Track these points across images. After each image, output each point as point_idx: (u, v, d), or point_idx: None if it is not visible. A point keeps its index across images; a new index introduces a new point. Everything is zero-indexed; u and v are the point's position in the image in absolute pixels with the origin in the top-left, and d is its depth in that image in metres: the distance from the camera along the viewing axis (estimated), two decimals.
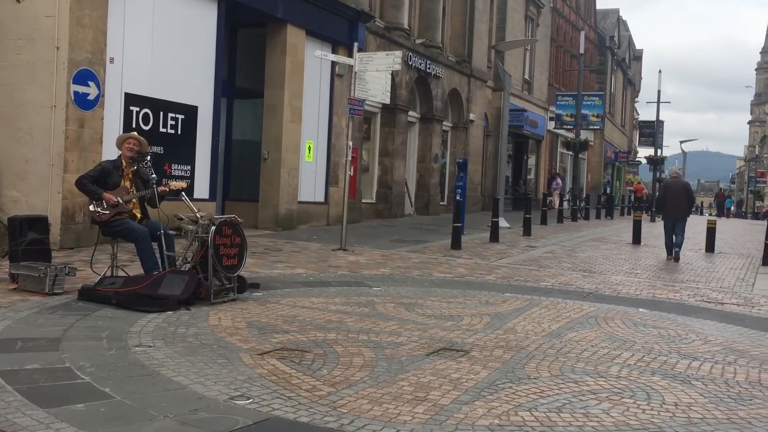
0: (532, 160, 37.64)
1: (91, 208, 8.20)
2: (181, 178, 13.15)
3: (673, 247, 15.69)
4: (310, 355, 5.99)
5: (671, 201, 15.99)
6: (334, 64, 17.61)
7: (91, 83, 11.67)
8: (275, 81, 16.51)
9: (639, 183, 50.76)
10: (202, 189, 14.37)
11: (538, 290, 10.11)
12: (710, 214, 50.95)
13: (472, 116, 27.58)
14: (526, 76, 35.56)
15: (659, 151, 50.21)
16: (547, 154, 39.26)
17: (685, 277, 12.58)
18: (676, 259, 15.43)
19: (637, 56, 68.08)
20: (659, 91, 45.96)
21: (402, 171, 22.95)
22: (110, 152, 10.74)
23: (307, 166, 17.56)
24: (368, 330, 7.02)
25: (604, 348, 6.81)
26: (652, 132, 54.07)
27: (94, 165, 9.09)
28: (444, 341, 6.71)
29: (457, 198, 16.75)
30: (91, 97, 11.70)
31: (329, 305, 8.18)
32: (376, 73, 14.01)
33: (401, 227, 19.33)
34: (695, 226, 26.98)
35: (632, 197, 43.23)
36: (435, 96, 24.51)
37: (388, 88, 14.57)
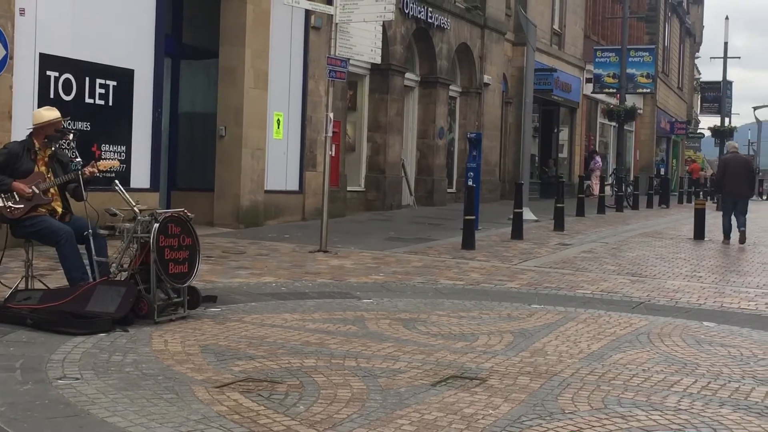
0: (564, 134, 37.68)
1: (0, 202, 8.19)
2: (114, 160, 13.11)
3: (730, 231, 17.65)
4: (282, 387, 5.99)
5: (731, 179, 18.17)
6: (309, 13, 17.58)
7: None
8: (233, 37, 16.48)
9: (695, 162, 50.92)
10: (141, 176, 14.36)
11: (574, 300, 10.12)
12: None
13: (487, 78, 27.58)
14: (556, 27, 35.60)
15: (727, 119, 50.39)
16: (583, 126, 39.32)
17: (762, 281, 12.62)
18: (742, 240, 17.54)
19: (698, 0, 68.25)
20: (726, 44, 46.07)
21: (398, 150, 22.95)
22: (22, 131, 10.71)
23: (275, 146, 17.55)
24: (357, 354, 7.01)
25: (660, 373, 6.82)
26: (717, 96, 54.24)
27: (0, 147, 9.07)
28: (454, 367, 6.71)
29: (469, 183, 16.76)
30: None
31: (306, 323, 8.17)
32: (363, 25, 13.99)
33: (398, 222, 19.34)
34: None
35: (688, 180, 43.42)
36: (439, 53, 24.50)
37: (379, 44, 14.54)
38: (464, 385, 6.23)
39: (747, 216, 18.25)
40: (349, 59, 14.40)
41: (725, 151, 23.14)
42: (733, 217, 18.15)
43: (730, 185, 18.22)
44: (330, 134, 14.18)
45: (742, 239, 17.66)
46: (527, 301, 9.84)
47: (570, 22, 36.86)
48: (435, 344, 7.48)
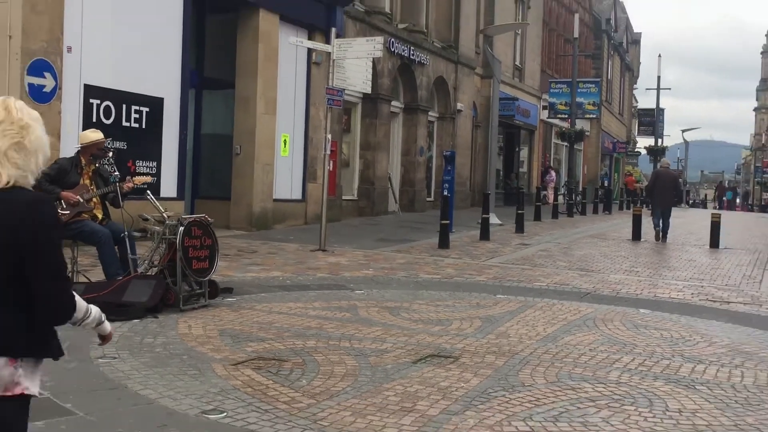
0: (524, 152, 37.74)
1: None
2: (146, 174, 13.10)
3: (659, 231, 18.47)
4: (287, 365, 5.99)
5: (660, 190, 18.81)
6: (310, 51, 17.58)
7: (47, 74, 11.59)
8: (247, 70, 16.46)
9: (631, 175, 51.10)
10: (169, 187, 14.33)
11: (532, 291, 10.15)
12: (716, 207, 51.34)
13: (459, 106, 27.63)
14: (517, 63, 35.67)
15: (660, 140, 50.52)
16: (540, 146, 39.40)
17: (689, 275, 12.67)
18: (664, 239, 18.50)
19: (635, 40, 68.47)
20: (659, 77, 46.28)
21: (385, 165, 22.95)
22: (69, 149, 10.68)
23: (282, 161, 17.53)
24: (350, 336, 7.02)
25: (603, 352, 6.84)
26: (652, 120, 54.40)
27: (51, 163, 9.02)
28: (432, 347, 6.72)
29: (445, 193, 16.78)
30: (47, 90, 11.63)
31: (308, 310, 8.18)
32: (356, 61, 13.99)
33: (385, 225, 19.34)
34: (698, 220, 27.18)
35: (625, 190, 43.59)
36: (420, 84, 24.53)
37: (369, 77, 14.54)
38: (440, 362, 6.24)
39: (671, 221, 19.08)
40: (344, 89, 14.40)
41: (659, 166, 23.57)
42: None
43: (659, 195, 18.83)
44: (328, 152, 14.18)
45: (664, 239, 18.55)
46: (493, 292, 9.86)
47: (529, 59, 36.93)
48: (416, 328, 7.49)
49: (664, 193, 18.75)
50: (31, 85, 11.36)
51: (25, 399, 2.44)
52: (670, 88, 54.74)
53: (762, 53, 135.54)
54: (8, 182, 2.42)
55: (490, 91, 24.66)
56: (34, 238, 2.39)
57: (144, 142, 13.77)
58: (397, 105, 24.13)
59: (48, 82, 11.63)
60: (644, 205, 19.98)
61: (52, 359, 2.51)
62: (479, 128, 30.77)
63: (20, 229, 2.38)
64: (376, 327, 7.46)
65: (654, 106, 50.26)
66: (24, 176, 2.46)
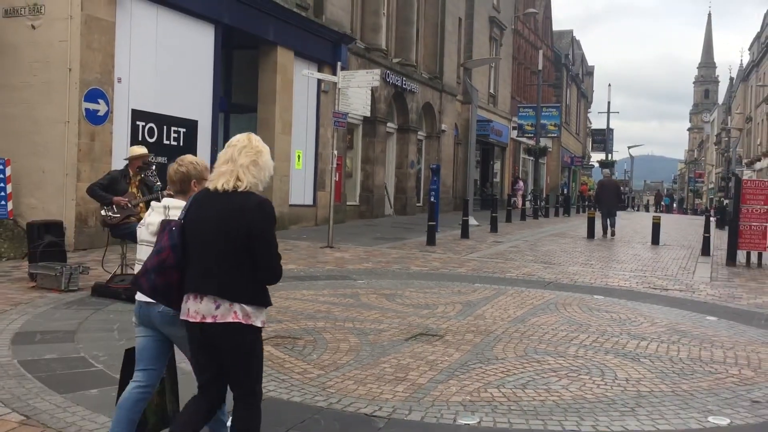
0: (497, 165, 37.73)
1: (103, 212, 8.11)
2: None
3: (606, 229, 19.14)
4: (301, 342, 5.98)
5: (605, 197, 19.72)
6: (320, 81, 17.58)
7: (100, 101, 11.57)
8: (267, 97, 16.45)
9: (585, 184, 51.10)
10: None
11: (504, 280, 10.14)
12: (656, 211, 51.29)
13: (443, 126, 27.63)
14: (491, 91, 35.66)
15: (610, 155, 50.56)
16: (510, 160, 39.41)
17: (634, 267, 12.67)
18: (612, 234, 18.93)
19: (589, 72, 68.52)
20: (609, 103, 46.36)
21: (382, 176, 22.93)
22: (119, 162, 10.67)
23: (296, 173, 17.51)
24: (353, 318, 7.02)
25: (563, 331, 6.84)
26: (603, 139, 54.42)
27: (104, 174, 9.01)
28: (421, 327, 6.72)
29: (432, 200, 16.75)
30: (100, 114, 11.60)
31: (318, 297, 8.17)
32: (358, 89, 14.00)
33: (382, 226, 19.32)
34: (641, 221, 27.16)
35: (580, 196, 43.61)
36: (410, 109, 24.52)
37: (368, 103, 14.55)
38: (428, 340, 6.23)
39: (617, 221, 19.83)
40: (348, 113, 14.39)
41: (602, 177, 24.52)
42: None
43: (605, 200, 19.65)
44: (334, 165, 14.17)
45: (612, 235, 19.00)
46: (472, 281, 9.85)
47: (501, 88, 36.93)
48: (407, 311, 7.48)
49: (609, 197, 19.65)
50: (87, 110, 11.34)
51: (257, 329, 3.11)
52: (618, 112, 55.10)
53: (694, 83, 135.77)
54: (247, 186, 3.09)
55: (469, 115, 24.65)
56: (260, 226, 3.06)
57: None
58: (391, 126, 24.12)
59: (101, 107, 11.60)
60: (595, 209, 20.20)
61: (268, 306, 3.11)
62: (460, 145, 30.78)
63: (251, 220, 3.04)
64: (374, 310, 7.46)
65: (605, 126, 50.30)
66: (256, 184, 3.13)
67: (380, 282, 9.52)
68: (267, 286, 3.12)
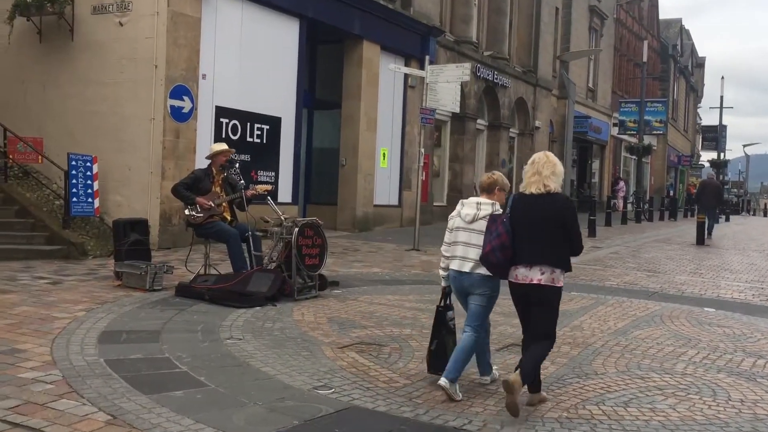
0: (595, 165, 36.89)
1: (186, 211, 8.39)
2: (266, 183, 13.38)
3: (711, 231, 19.66)
4: (386, 349, 6.02)
5: (706, 197, 20.28)
6: (406, 76, 17.64)
7: (185, 98, 11.99)
8: (352, 93, 16.63)
9: (692, 185, 49.30)
10: (285, 193, 14.58)
11: (603, 289, 9.91)
12: None
13: (537, 123, 27.22)
14: (590, 85, 34.89)
15: (722, 154, 48.55)
16: (610, 159, 38.44)
17: (750, 277, 12.13)
18: (709, 236, 19.18)
19: (700, 63, 65.97)
20: (721, 97, 44.45)
21: (471, 175, 22.80)
22: (202, 161, 11.01)
23: (381, 172, 17.62)
24: None
25: (670, 346, 6.63)
26: (714, 136, 52.35)
27: (188, 173, 9.31)
28: (513, 337, 6.64)
29: None
30: (185, 110, 12.02)
31: (404, 302, 8.20)
32: (447, 84, 13.97)
33: None
34: (758, 227, 25.97)
35: (688, 197, 42.07)
36: (502, 104, 24.29)
37: (458, 98, 14.51)
38: (520, 350, 6.15)
39: (715, 224, 20.76)
40: (436, 109, 14.39)
41: (705, 177, 25.16)
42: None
43: (705, 200, 20.20)
44: (421, 164, 14.20)
45: (710, 236, 19.37)
46: (568, 290, 9.57)
47: (601, 81, 36.09)
48: (498, 320, 7.40)
49: (710, 198, 20.17)
50: (172, 107, 11.77)
51: (560, 288, 4.65)
52: (732, 107, 52.55)
53: None
54: (555, 190, 4.65)
55: (566, 110, 24.23)
56: (569, 215, 4.63)
57: (264, 155, 14.07)
58: (482, 122, 23.96)
59: (186, 104, 12.01)
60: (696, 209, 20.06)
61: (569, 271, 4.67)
62: (555, 143, 30.26)
63: (563, 212, 4.62)
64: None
65: (716, 123, 48.30)
66: (557, 187, 4.67)
67: None
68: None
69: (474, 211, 5.01)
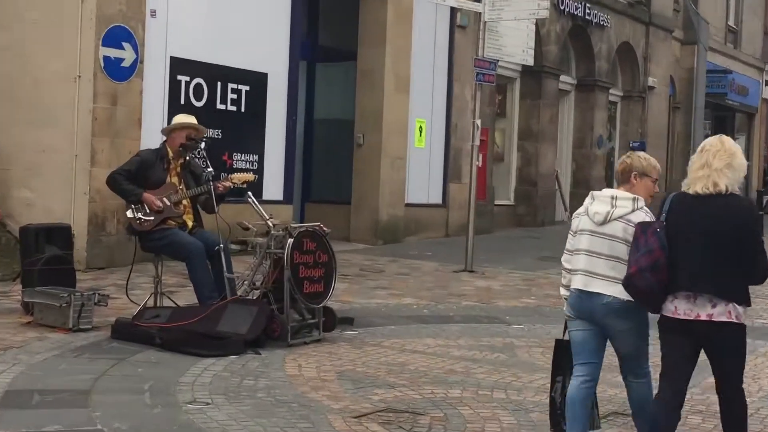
0: (740, 142, 36.61)
1: (129, 213, 8.42)
2: (246, 171, 13.36)
3: None
4: (425, 420, 6.00)
5: None
6: (454, 10, 17.60)
7: (126, 45, 12.05)
8: (373, 37, 16.60)
9: None
10: (274, 187, 14.62)
11: (754, 331, 9.77)
12: None
13: (651, 81, 27.05)
14: (731, 23, 34.64)
15: None
16: (763, 133, 38.12)
17: None
18: None
19: None
20: None
21: (551, 160, 22.72)
22: (152, 138, 11.06)
23: (417, 155, 17.59)
24: (506, 385, 6.98)
25: None
26: None
27: (131, 156, 9.36)
28: (615, 402, 6.60)
29: None
30: (126, 64, 12.08)
31: (451, 349, 8.17)
32: (514, 23, 13.93)
33: (551, 239, 19.10)
34: None
35: None
36: (598, 54, 24.17)
37: (532, 44, 14.46)
38: (627, 422, 6.11)
39: None
40: (498, 61, 14.35)
41: None
42: None
43: None
44: (477, 143, 14.16)
45: None
46: None
47: (747, 19, 35.80)
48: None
49: None
50: (107, 59, 11.82)
51: (744, 327, 4.89)
52: None
53: None
54: (730, 190, 4.72)
55: (694, 62, 24.08)
56: (750, 227, 4.75)
57: (243, 130, 14.10)
58: (567, 80, 23.86)
59: (127, 55, 12.08)
60: None
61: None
62: (678, 111, 30.04)
63: (740, 220, 4.73)
64: (540, 373, 7.38)
65: None
66: (733, 185, 4.74)
67: (549, 328, 9.40)
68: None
69: (607, 208, 5.15)
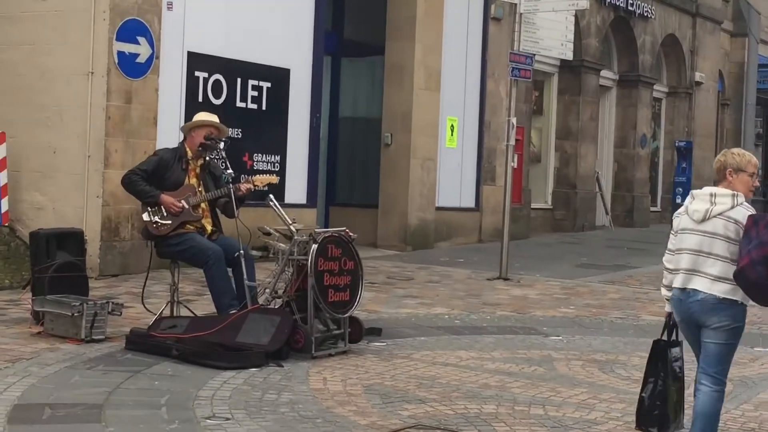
0: None
1: (145, 216, 8.44)
2: (268, 173, 13.39)
3: None
4: None
5: None
6: (488, 1, 17.60)
7: (141, 39, 12.10)
8: (401, 30, 16.61)
9: None
10: (296, 190, 14.63)
11: None
12: None
13: (699, 76, 26.93)
14: None
15: None
16: None
17: None
18: None
19: None
20: None
21: (592, 161, 22.67)
22: (168, 138, 11.11)
23: (448, 155, 17.59)
24: (544, 401, 6.96)
25: None
26: None
27: (147, 156, 9.40)
28: None
29: (677, 201, 16.40)
30: (141, 60, 12.14)
31: (485, 362, 8.16)
32: (552, 15, 13.91)
33: (591, 245, 19.08)
34: None
35: None
36: (641, 47, 24.10)
37: (571, 37, 14.43)
38: None
39: None
40: (534, 55, 14.32)
41: None
42: None
43: None
44: (512, 142, 14.15)
45: None
46: (750, 344, 9.48)
47: None
48: (636, 391, 7.33)
49: None
50: (121, 54, 11.87)
51: None
52: None
53: None
54: None
55: (745, 55, 23.95)
56: None
57: (264, 129, 14.13)
58: (608, 76, 23.81)
59: (142, 50, 12.12)
60: None
61: None
62: (728, 107, 29.88)
63: None
64: (580, 388, 7.37)
65: None
66: None
67: (589, 340, 9.40)
68: None
69: (706, 205, 5.36)
